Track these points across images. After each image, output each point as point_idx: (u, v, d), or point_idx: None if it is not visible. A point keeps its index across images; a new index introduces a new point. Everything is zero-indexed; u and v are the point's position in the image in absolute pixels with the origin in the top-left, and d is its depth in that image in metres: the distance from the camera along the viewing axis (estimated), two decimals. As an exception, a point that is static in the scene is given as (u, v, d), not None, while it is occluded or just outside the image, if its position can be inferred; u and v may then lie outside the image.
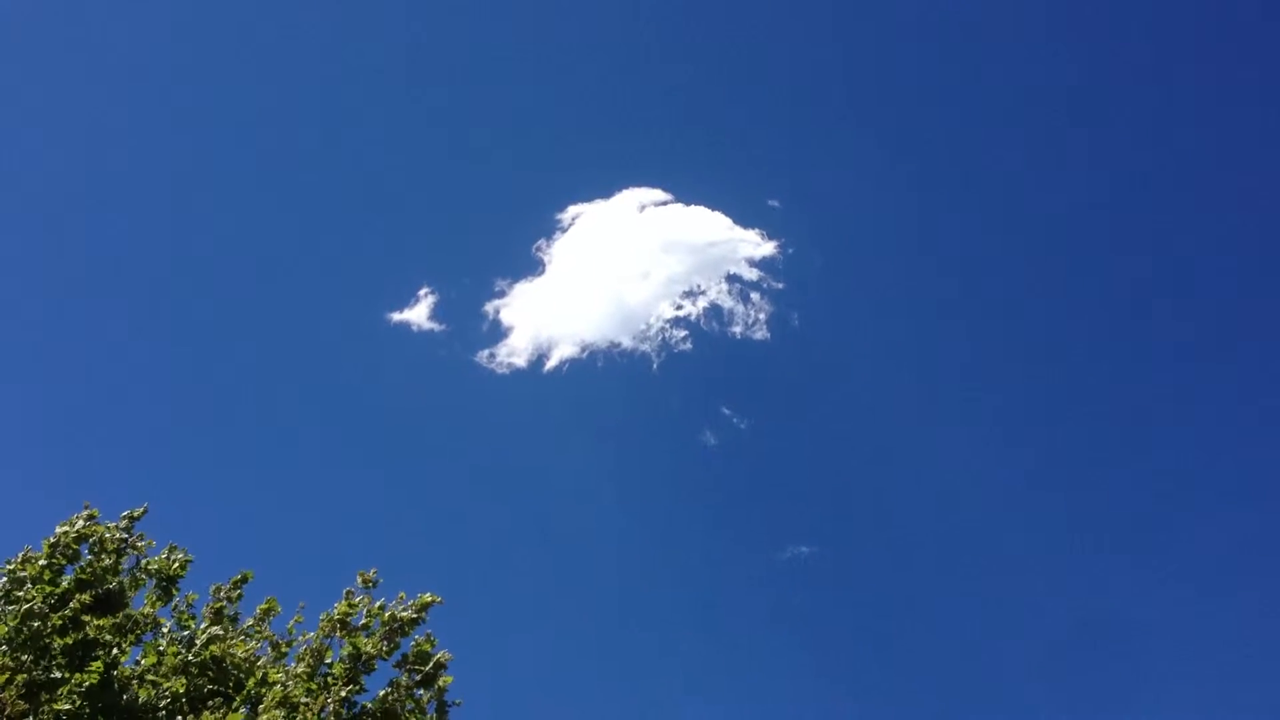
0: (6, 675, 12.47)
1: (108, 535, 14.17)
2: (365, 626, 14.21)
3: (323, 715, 13.65)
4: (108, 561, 13.96)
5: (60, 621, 13.19)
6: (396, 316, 48.61)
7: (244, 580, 14.76)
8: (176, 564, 14.50)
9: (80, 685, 12.85)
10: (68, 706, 12.63)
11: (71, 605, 13.30)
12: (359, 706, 13.94)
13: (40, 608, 13.12)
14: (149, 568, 14.48)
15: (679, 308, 47.99)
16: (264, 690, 13.32)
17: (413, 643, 14.31)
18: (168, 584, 14.43)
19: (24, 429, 46.16)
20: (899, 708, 42.58)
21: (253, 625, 14.54)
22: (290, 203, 55.74)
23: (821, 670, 43.25)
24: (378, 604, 14.29)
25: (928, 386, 51.32)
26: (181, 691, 13.24)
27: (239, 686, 13.46)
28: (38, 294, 50.66)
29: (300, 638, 14.45)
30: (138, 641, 14.00)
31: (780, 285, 49.02)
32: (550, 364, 47.34)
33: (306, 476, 48.44)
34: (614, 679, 43.05)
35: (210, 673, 13.39)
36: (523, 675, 41.41)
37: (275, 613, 14.66)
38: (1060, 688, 41.51)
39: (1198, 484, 49.93)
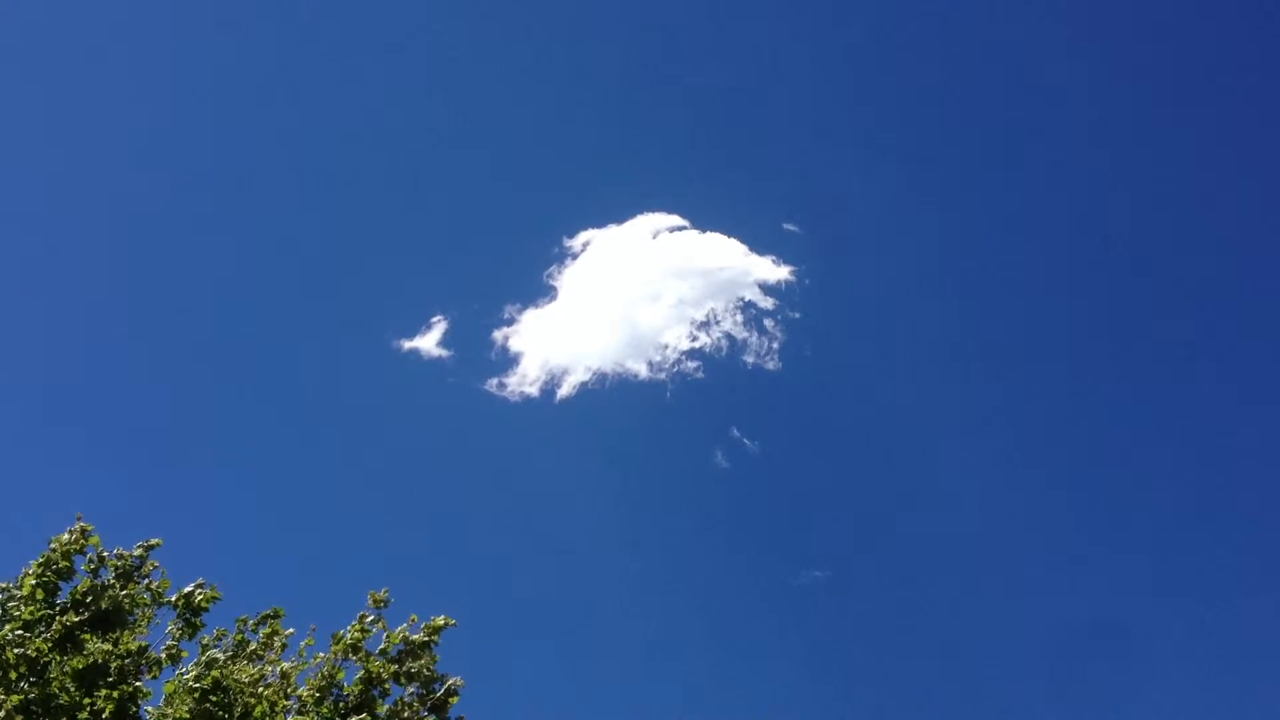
0: (14, 698, 12.41)
1: (107, 554, 14.13)
2: (384, 651, 14.15)
3: None
4: (109, 579, 13.93)
5: (45, 645, 13.09)
6: (406, 344, 48.65)
7: (274, 616, 14.60)
8: (202, 597, 14.44)
9: (93, 710, 12.80)
10: None
11: (55, 626, 13.18)
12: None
13: (25, 628, 13.06)
14: (154, 587, 14.41)
15: (694, 339, 47.95)
16: (272, 715, 13.22)
17: (425, 668, 14.24)
18: (192, 615, 14.37)
19: (33, 453, 46.30)
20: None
21: (256, 650, 14.39)
22: (299, 230, 55.98)
23: (837, 696, 43.00)
24: (399, 631, 14.17)
25: (942, 411, 51.16)
26: (186, 717, 13.15)
27: (246, 714, 13.35)
28: (49, 321, 50.86)
29: (312, 660, 14.37)
30: (158, 676, 13.93)
31: (794, 312, 48.95)
32: (563, 391, 47.34)
33: (316, 503, 48.43)
34: (628, 704, 42.84)
35: (213, 698, 13.28)
36: (535, 698, 41.22)
37: (279, 635, 14.52)
38: (1075, 711, 41.26)
39: (1202, 488, 49.81)
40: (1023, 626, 44.51)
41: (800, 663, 43.51)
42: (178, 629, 14.24)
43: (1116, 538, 48.17)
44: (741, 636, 44.89)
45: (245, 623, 14.48)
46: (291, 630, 14.41)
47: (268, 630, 14.48)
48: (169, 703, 13.31)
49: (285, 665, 14.23)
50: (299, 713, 13.70)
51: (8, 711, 12.56)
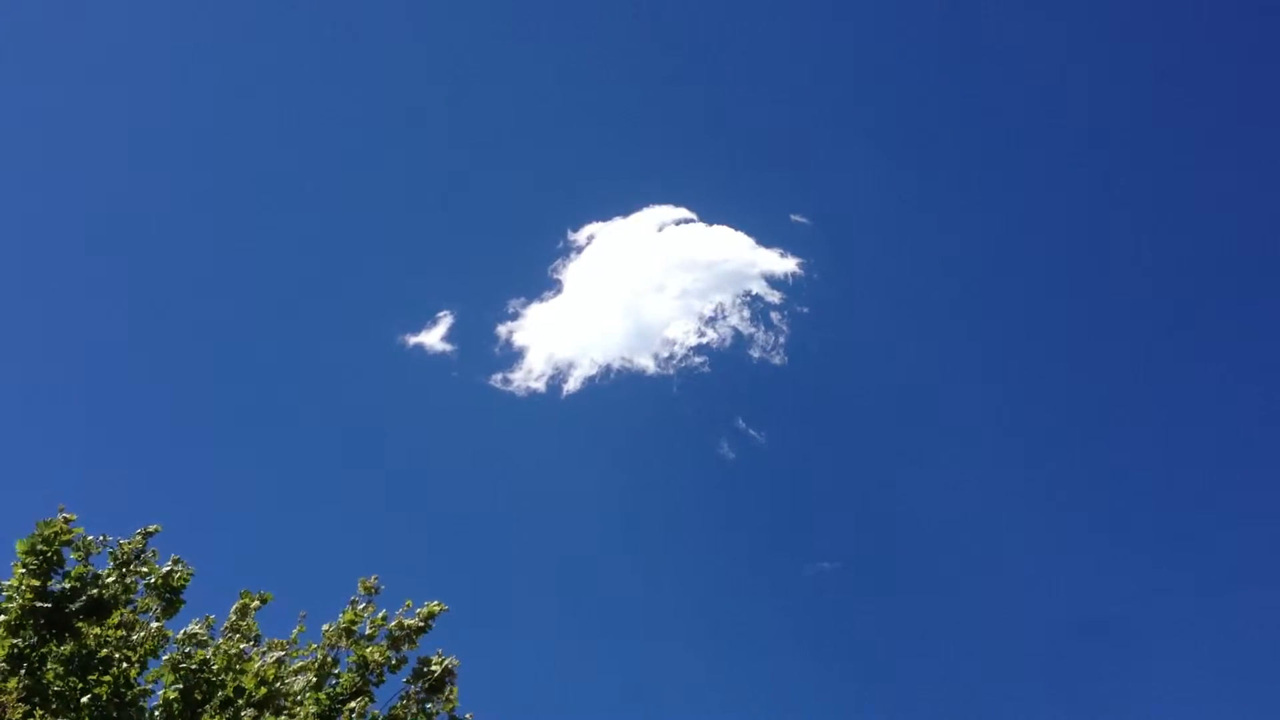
0: (11, 682, 12.44)
1: (92, 538, 14.13)
2: (371, 636, 14.18)
3: None
4: (108, 574, 13.95)
5: (18, 611, 13.08)
6: (412, 339, 48.65)
7: (263, 601, 14.60)
8: (179, 576, 14.51)
9: (93, 699, 12.82)
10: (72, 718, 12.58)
11: (25, 593, 13.18)
12: (369, 717, 13.89)
13: (17, 619, 13.09)
14: (153, 579, 14.43)
15: (702, 335, 47.85)
16: (263, 690, 13.24)
17: (420, 654, 14.25)
18: (172, 595, 14.43)
19: (41, 450, 46.47)
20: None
21: (231, 625, 14.36)
22: (305, 226, 56.05)
23: (846, 688, 43.01)
24: (381, 614, 14.24)
25: (948, 405, 51.11)
26: (174, 698, 13.20)
27: (240, 691, 13.37)
28: (58, 318, 51.02)
29: (307, 648, 14.38)
30: (149, 655, 13.93)
31: (802, 306, 48.89)
32: (569, 386, 47.35)
33: (321, 498, 48.50)
34: (637, 696, 42.88)
35: (201, 676, 13.31)
36: (544, 691, 41.31)
37: (253, 609, 14.53)
38: (1082, 696, 41.28)
39: (1207, 486, 49.81)
40: (1031, 611, 44.55)
41: (810, 654, 43.57)
42: (159, 609, 14.27)
43: (1123, 533, 48.18)
44: (752, 628, 44.96)
45: (240, 609, 14.50)
46: (258, 603, 14.41)
47: (240, 603, 14.49)
48: (158, 680, 13.37)
49: (280, 653, 14.24)
50: (298, 702, 13.69)
51: (6, 698, 12.57)
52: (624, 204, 51.75)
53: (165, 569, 14.39)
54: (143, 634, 13.73)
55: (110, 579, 13.91)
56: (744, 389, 48.68)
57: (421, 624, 14.22)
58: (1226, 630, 44.06)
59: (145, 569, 14.29)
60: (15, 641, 13.05)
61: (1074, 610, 44.61)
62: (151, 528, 14.58)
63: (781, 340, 47.90)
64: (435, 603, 14.37)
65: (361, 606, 14.31)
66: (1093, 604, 44.82)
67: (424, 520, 48.43)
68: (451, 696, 14.20)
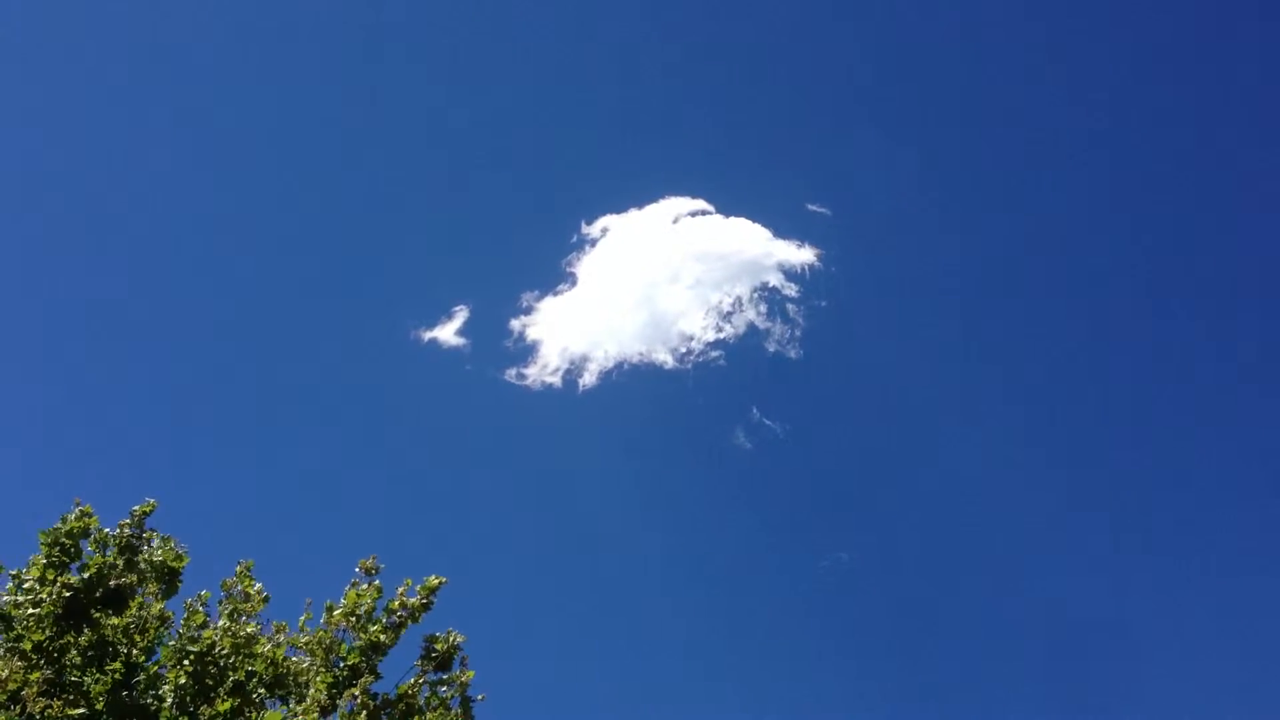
0: (34, 675, 12.49)
1: (109, 532, 14.20)
2: (371, 612, 14.13)
3: (350, 708, 13.62)
4: (112, 559, 14.00)
5: (50, 610, 13.16)
6: (426, 334, 48.69)
7: (247, 570, 14.70)
8: (174, 556, 14.55)
9: (103, 689, 12.88)
10: (83, 710, 12.63)
11: (55, 596, 13.26)
12: (379, 697, 13.89)
13: (32, 613, 13.14)
14: (151, 560, 14.47)
15: (719, 329, 47.74)
16: (274, 671, 13.29)
17: (425, 633, 14.26)
18: (170, 577, 14.48)
19: (56, 444, 46.76)
20: (941, 716, 42.26)
21: (238, 610, 14.40)
22: (320, 221, 56.18)
23: (860, 678, 42.94)
24: (390, 595, 14.23)
25: (962, 397, 50.95)
26: (185, 682, 13.23)
27: (250, 675, 13.41)
28: (87, 315, 51.37)
29: (315, 633, 14.38)
30: (155, 641, 13.97)
31: (819, 299, 48.79)
32: (584, 379, 47.36)
33: (335, 491, 48.66)
34: (653, 686, 42.91)
35: (208, 662, 13.38)
36: (560, 681, 41.38)
37: (261, 598, 14.54)
38: (1084, 693, 41.19)
39: (1210, 486, 49.67)
40: (1047, 602, 44.43)
41: (825, 644, 43.54)
42: (160, 591, 14.31)
43: (1129, 530, 48.03)
44: (768, 618, 44.96)
45: (228, 584, 14.52)
46: (268, 596, 14.41)
47: (245, 586, 14.51)
48: (166, 665, 13.41)
49: (285, 637, 14.26)
50: (305, 683, 13.71)
51: (40, 689, 12.62)
52: (638, 196, 51.59)
53: (159, 550, 14.44)
54: (145, 616, 13.80)
55: (121, 565, 14.00)
56: (760, 381, 48.66)
57: (423, 601, 14.17)
58: (1229, 631, 43.92)
59: (147, 550, 14.37)
60: (38, 635, 13.16)
61: (1080, 605, 44.55)
62: (149, 503, 14.64)
63: (798, 333, 47.85)
64: (434, 577, 14.31)
65: (363, 587, 14.26)
66: (1097, 601, 44.74)
67: (438, 515, 48.56)
68: (462, 677, 14.09)
